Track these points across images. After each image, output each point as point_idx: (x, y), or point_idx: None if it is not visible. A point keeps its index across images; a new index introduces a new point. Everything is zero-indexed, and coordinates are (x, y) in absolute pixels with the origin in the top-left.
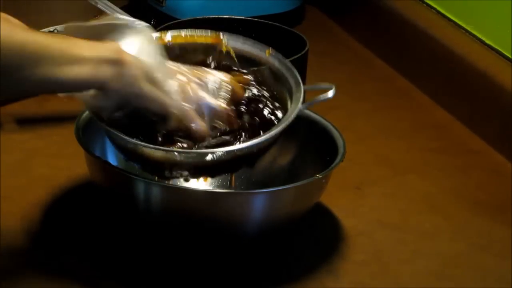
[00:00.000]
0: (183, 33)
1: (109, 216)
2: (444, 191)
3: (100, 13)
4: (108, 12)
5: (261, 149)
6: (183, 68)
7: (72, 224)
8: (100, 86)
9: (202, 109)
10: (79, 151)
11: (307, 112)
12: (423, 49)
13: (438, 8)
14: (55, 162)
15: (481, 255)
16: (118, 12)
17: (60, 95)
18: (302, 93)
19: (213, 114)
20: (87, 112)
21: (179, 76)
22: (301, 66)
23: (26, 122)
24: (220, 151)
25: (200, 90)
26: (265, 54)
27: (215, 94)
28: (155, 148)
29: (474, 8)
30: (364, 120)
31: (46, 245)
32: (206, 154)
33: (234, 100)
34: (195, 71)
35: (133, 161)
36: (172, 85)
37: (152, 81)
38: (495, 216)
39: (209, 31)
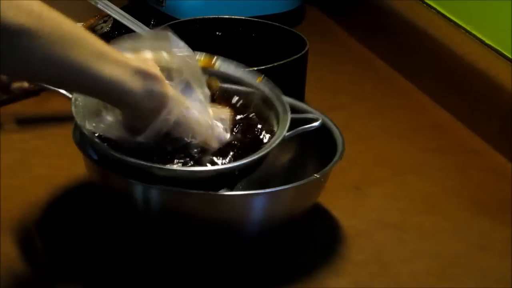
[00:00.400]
0: None
1: (109, 216)
2: (444, 191)
3: (100, 13)
4: (108, 12)
5: (242, 171)
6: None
7: (72, 224)
8: (127, 95)
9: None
10: (79, 151)
11: (308, 108)
12: (423, 49)
13: (438, 8)
14: (55, 162)
15: (481, 255)
16: (118, 12)
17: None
18: (289, 121)
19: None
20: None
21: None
22: (301, 66)
23: (26, 122)
24: (197, 169)
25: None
26: (256, 81)
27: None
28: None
29: (474, 8)
30: (364, 120)
31: (46, 245)
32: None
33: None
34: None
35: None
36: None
37: (181, 103)
38: (495, 216)
39: (203, 54)
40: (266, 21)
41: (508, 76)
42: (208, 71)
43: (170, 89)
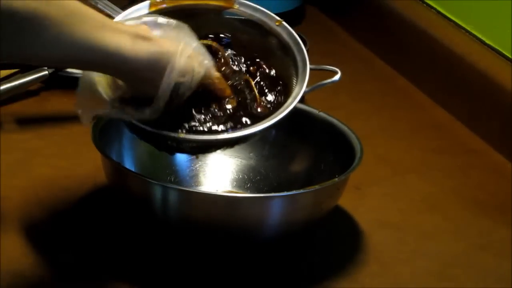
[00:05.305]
0: None
1: (109, 216)
2: (444, 191)
3: (100, 12)
4: (109, 12)
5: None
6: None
7: (71, 224)
8: (130, 59)
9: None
10: (79, 151)
11: (324, 115)
12: (423, 49)
13: (438, 8)
14: (55, 162)
15: (481, 255)
16: (119, 12)
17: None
18: (308, 73)
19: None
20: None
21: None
22: None
23: (26, 122)
24: (228, 137)
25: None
26: (274, 23)
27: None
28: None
29: (474, 8)
30: (364, 120)
31: (46, 245)
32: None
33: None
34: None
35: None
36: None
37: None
38: (495, 216)
39: None
40: None
41: (508, 76)
42: (226, 13)
43: (167, 45)
